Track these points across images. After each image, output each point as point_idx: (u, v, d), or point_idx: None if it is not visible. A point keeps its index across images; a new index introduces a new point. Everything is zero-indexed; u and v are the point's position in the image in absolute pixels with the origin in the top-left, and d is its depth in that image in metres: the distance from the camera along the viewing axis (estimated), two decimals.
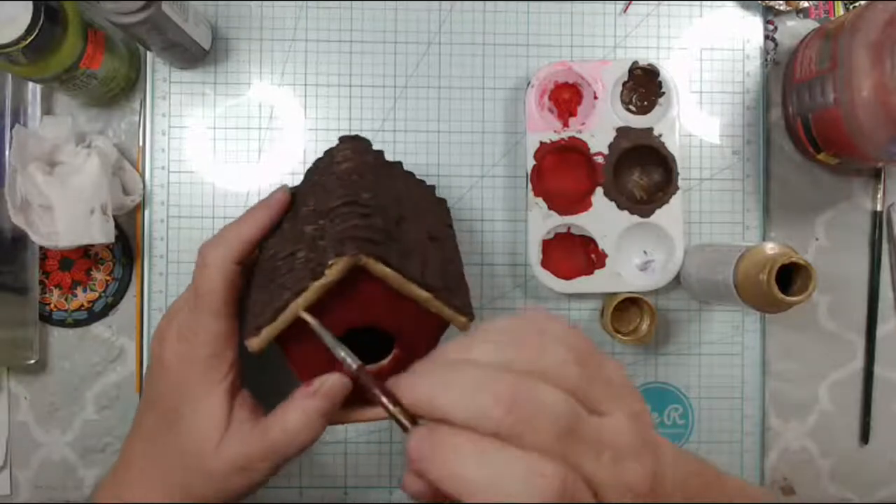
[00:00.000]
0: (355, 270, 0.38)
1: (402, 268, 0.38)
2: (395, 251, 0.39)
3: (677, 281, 0.58)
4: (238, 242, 0.44)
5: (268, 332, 0.39)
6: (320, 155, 0.47)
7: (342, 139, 0.48)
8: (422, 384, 0.29)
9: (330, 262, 0.37)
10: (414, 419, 0.30)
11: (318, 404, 0.40)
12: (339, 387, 0.41)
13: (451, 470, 0.27)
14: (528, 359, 0.29)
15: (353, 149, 0.46)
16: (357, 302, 0.39)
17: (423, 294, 0.39)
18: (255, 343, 0.39)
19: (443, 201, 0.52)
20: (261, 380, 0.45)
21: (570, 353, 0.30)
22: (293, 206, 0.47)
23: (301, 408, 0.40)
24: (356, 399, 0.42)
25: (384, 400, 0.31)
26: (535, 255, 0.56)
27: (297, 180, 0.49)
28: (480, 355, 0.30)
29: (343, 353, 0.37)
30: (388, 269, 0.38)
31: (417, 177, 0.53)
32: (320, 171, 0.47)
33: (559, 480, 0.27)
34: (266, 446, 0.41)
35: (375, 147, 0.49)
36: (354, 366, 0.36)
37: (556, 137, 0.56)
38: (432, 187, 0.53)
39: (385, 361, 0.42)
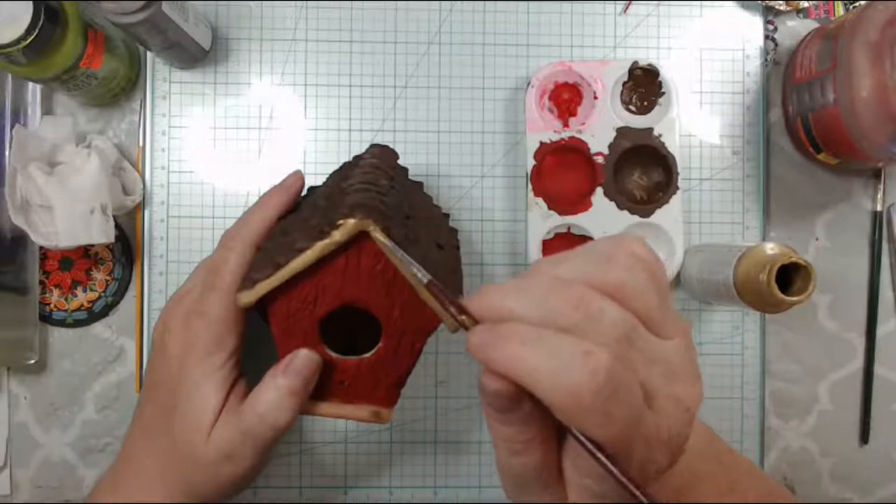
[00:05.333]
0: (359, 240, 0.38)
1: (404, 248, 0.38)
2: (401, 233, 0.39)
3: (677, 281, 0.58)
4: (257, 226, 0.44)
5: (262, 287, 0.39)
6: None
7: (373, 145, 0.49)
8: (495, 291, 0.30)
9: (338, 223, 0.37)
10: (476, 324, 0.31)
11: (287, 382, 0.40)
12: (308, 363, 0.40)
13: (509, 353, 0.28)
14: (615, 276, 0.30)
15: (381, 152, 0.48)
16: (353, 275, 0.39)
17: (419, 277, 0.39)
18: (245, 297, 0.39)
19: (455, 230, 0.53)
20: (262, 369, 0.45)
21: (652, 280, 0.31)
22: (312, 194, 0.47)
23: (272, 386, 0.40)
24: (332, 392, 0.42)
25: (452, 310, 0.32)
26: (535, 255, 0.56)
27: None
28: (568, 269, 0.31)
29: (414, 269, 0.35)
30: (390, 243, 0.38)
31: (426, 193, 0.54)
32: (344, 169, 0.48)
33: (608, 361, 0.27)
34: (242, 429, 0.41)
35: None
36: (425, 280, 0.35)
37: (556, 137, 0.56)
38: (447, 215, 0.54)
39: (368, 355, 0.42)
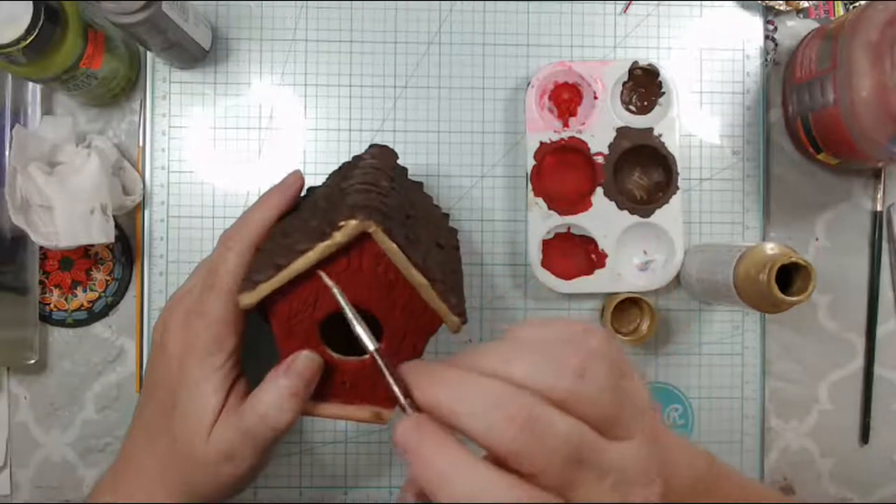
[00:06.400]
0: (360, 241, 0.38)
1: (406, 249, 0.38)
2: (402, 233, 0.39)
3: (677, 281, 0.58)
4: (256, 227, 0.44)
5: (264, 288, 0.39)
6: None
7: (373, 145, 0.49)
8: (444, 390, 0.30)
9: (339, 224, 0.37)
10: (418, 409, 0.31)
11: (288, 383, 0.40)
12: (310, 365, 0.40)
13: (433, 467, 0.29)
14: (568, 384, 0.30)
15: (381, 153, 0.48)
16: (355, 277, 0.39)
17: (420, 279, 0.39)
18: (247, 298, 0.39)
19: (454, 229, 0.53)
20: (263, 369, 0.45)
21: (608, 376, 0.30)
22: (312, 194, 0.47)
23: (273, 387, 0.40)
24: (333, 393, 0.42)
25: (396, 389, 0.32)
26: (535, 255, 0.56)
27: None
28: (518, 371, 0.30)
29: (360, 330, 0.36)
30: (392, 244, 0.38)
31: (426, 193, 0.54)
32: (344, 169, 0.48)
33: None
34: (243, 429, 0.41)
35: None
36: (372, 347, 0.35)
37: (556, 137, 0.56)
38: (447, 214, 0.54)
39: (368, 357, 0.42)
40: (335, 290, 0.37)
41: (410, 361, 0.33)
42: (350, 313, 0.36)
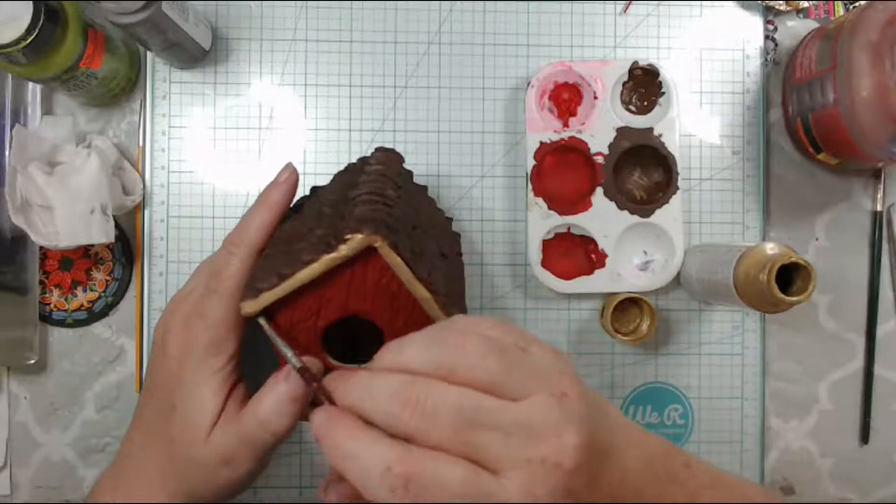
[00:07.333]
0: (365, 254, 0.38)
1: (411, 263, 0.38)
2: (408, 246, 0.39)
3: (677, 281, 0.58)
4: (259, 229, 0.44)
5: (266, 297, 0.39)
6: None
7: (378, 149, 0.49)
8: (354, 391, 0.34)
9: (346, 237, 0.37)
10: None
11: (288, 389, 0.40)
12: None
13: (340, 449, 0.32)
14: (449, 356, 0.33)
15: (387, 158, 0.47)
16: (358, 287, 0.39)
17: (424, 293, 0.39)
18: (250, 306, 0.39)
19: (457, 234, 0.53)
20: (263, 375, 0.45)
21: (489, 346, 0.33)
22: (316, 197, 0.47)
23: (273, 393, 0.40)
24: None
25: (323, 398, 0.36)
26: (535, 255, 0.56)
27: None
28: (409, 357, 0.33)
29: (288, 352, 0.39)
30: (398, 258, 0.38)
31: (429, 196, 0.53)
32: (350, 171, 0.48)
33: (403, 472, 0.30)
34: (242, 434, 0.41)
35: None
36: (297, 366, 0.38)
37: (556, 137, 0.56)
38: (450, 219, 0.54)
39: (369, 364, 0.42)
40: (262, 323, 0.40)
41: (333, 372, 0.37)
42: (277, 340, 0.39)
